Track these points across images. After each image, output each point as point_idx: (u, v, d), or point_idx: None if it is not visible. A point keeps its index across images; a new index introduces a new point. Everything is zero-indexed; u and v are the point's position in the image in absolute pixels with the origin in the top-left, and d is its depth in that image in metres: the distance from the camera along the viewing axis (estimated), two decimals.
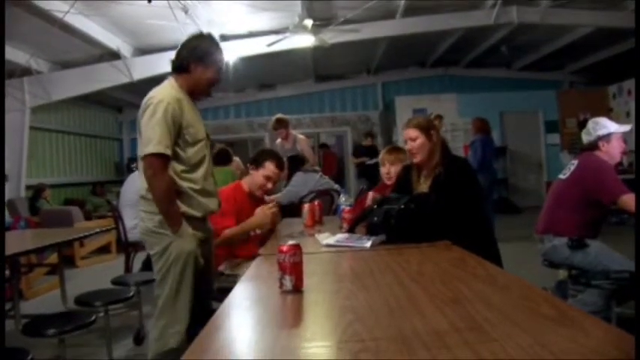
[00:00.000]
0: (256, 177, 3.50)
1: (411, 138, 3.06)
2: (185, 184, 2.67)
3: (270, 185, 3.54)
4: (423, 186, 3.04)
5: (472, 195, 2.96)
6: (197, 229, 2.75)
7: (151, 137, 2.54)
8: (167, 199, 2.60)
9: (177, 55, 2.80)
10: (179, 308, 2.67)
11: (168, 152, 2.58)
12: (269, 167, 3.48)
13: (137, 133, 2.70)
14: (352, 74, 13.42)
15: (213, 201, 2.84)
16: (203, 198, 2.75)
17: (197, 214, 2.73)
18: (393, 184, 3.50)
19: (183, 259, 2.65)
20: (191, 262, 2.68)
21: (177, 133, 2.63)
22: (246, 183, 3.57)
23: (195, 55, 2.75)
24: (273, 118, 6.63)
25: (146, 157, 2.56)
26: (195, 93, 2.84)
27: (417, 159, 3.08)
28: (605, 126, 3.44)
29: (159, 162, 2.56)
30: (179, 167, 2.66)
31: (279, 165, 3.55)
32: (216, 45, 2.84)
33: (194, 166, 2.72)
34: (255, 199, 3.61)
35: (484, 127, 7.82)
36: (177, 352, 2.45)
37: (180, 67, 2.77)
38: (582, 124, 9.29)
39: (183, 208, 2.68)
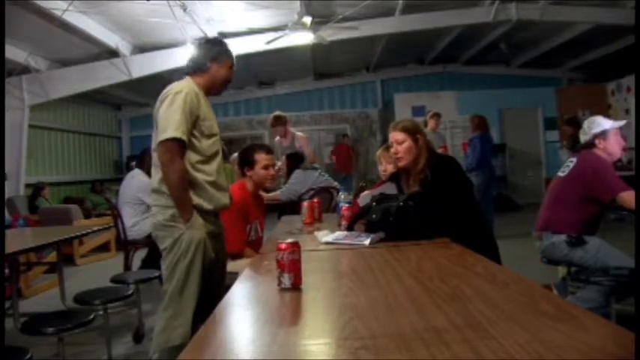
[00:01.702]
0: (257, 174, 3.51)
1: (397, 141, 3.00)
2: (199, 176, 2.72)
3: (272, 171, 3.56)
4: (413, 190, 3.01)
5: (462, 191, 2.94)
6: (208, 222, 2.79)
7: (169, 124, 2.61)
8: (181, 185, 2.65)
9: (192, 57, 2.92)
10: (185, 301, 2.69)
11: (185, 138, 2.64)
12: (261, 157, 3.49)
13: (154, 126, 2.75)
14: (351, 72, 13.42)
15: (225, 195, 2.88)
16: (216, 191, 2.79)
17: (209, 206, 2.76)
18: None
19: (193, 248, 2.68)
20: (200, 250, 2.71)
21: (194, 123, 2.71)
22: (248, 183, 3.57)
23: (210, 55, 2.88)
24: (272, 115, 6.63)
25: (163, 142, 2.60)
26: (211, 91, 2.94)
27: (402, 163, 3.02)
28: (600, 124, 3.44)
29: (176, 147, 2.61)
30: (194, 158, 2.72)
31: (267, 150, 3.57)
32: (227, 46, 2.97)
33: (209, 158, 2.78)
34: (257, 198, 3.66)
35: (482, 125, 7.81)
36: (180, 349, 2.45)
37: (196, 66, 2.89)
38: (570, 121, 9.34)
39: (196, 200, 2.71)
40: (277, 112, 6.63)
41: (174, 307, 2.69)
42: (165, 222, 2.69)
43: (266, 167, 3.50)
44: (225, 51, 2.92)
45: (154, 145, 2.74)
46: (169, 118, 2.61)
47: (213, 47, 2.91)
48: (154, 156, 2.74)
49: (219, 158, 2.87)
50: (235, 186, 3.63)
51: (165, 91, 2.74)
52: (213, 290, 2.83)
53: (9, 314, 4.28)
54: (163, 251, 2.75)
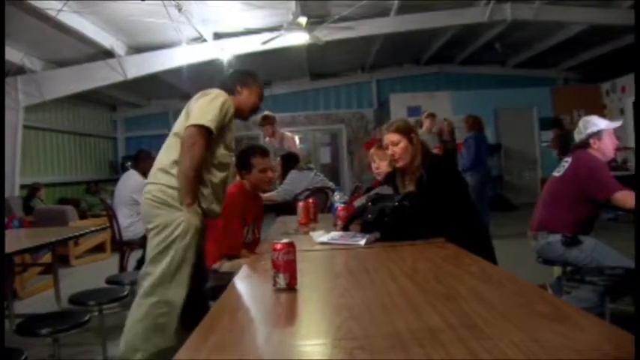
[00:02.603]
0: (254, 177, 3.50)
1: (392, 142, 3.01)
2: (207, 175, 2.80)
3: (271, 174, 3.59)
4: (409, 190, 3.02)
5: (456, 190, 2.96)
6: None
7: (207, 114, 2.71)
8: (196, 171, 2.71)
9: (222, 81, 3.06)
10: (175, 289, 2.67)
11: (214, 132, 2.73)
12: (257, 162, 3.49)
13: (183, 113, 2.84)
14: (347, 72, 13.42)
15: (219, 206, 2.92)
16: (213, 196, 2.84)
17: (203, 204, 2.80)
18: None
19: (193, 231, 2.70)
20: (197, 236, 2.74)
21: (222, 130, 2.80)
22: (247, 185, 3.57)
23: (241, 80, 3.02)
24: (260, 115, 6.65)
25: (196, 126, 2.67)
26: (239, 115, 3.01)
27: (400, 164, 3.04)
28: (595, 124, 3.45)
29: (204, 135, 2.69)
30: (209, 159, 2.80)
31: (263, 153, 3.58)
32: (260, 79, 3.12)
33: (220, 166, 2.86)
34: (256, 199, 3.68)
35: (477, 125, 7.83)
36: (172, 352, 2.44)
37: (227, 88, 2.95)
38: (554, 123, 9.38)
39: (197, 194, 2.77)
40: (266, 112, 6.67)
41: (161, 292, 2.66)
42: (166, 198, 2.71)
43: (263, 170, 3.50)
44: (257, 81, 3.06)
45: (176, 129, 2.82)
46: (209, 110, 2.72)
47: (246, 76, 3.06)
48: (173, 140, 2.81)
49: (227, 172, 2.95)
50: (234, 187, 3.62)
51: (207, 90, 2.86)
52: (199, 286, 2.84)
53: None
54: (152, 230, 2.73)
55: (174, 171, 2.73)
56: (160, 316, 2.64)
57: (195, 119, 2.69)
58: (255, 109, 3.09)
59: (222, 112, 2.75)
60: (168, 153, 2.81)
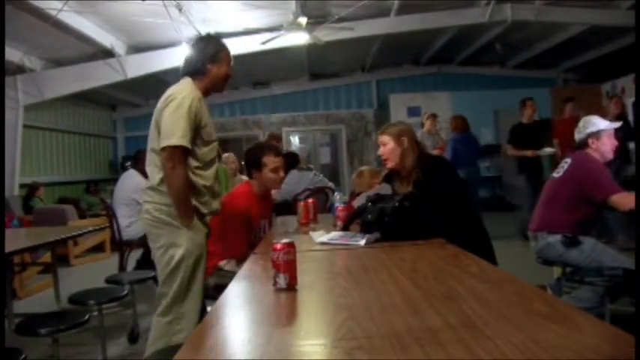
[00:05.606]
0: (265, 177, 3.44)
1: (382, 143, 3.10)
2: (198, 180, 2.74)
3: (282, 174, 3.53)
4: (405, 191, 3.04)
5: (453, 190, 2.97)
6: (203, 225, 2.82)
7: (175, 130, 2.60)
8: (185, 191, 2.66)
9: (189, 59, 2.90)
10: (189, 304, 2.68)
11: (189, 146, 2.65)
12: (270, 160, 3.41)
13: (153, 125, 2.75)
14: (347, 72, 13.40)
15: (217, 202, 2.90)
16: (210, 197, 2.81)
17: (204, 210, 2.79)
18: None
19: (198, 252, 2.70)
20: (204, 255, 2.74)
21: (196, 130, 2.70)
22: (255, 186, 3.53)
23: (207, 56, 2.85)
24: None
25: (168, 148, 2.60)
26: (212, 91, 2.93)
27: (388, 164, 3.12)
28: (595, 123, 3.46)
29: (180, 154, 2.62)
30: (193, 163, 2.73)
31: (276, 152, 3.51)
32: (222, 41, 2.96)
33: (206, 164, 2.79)
34: (263, 199, 3.60)
35: (459, 126, 7.88)
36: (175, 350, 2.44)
37: (195, 70, 2.86)
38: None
39: (193, 203, 2.73)
40: (271, 132, 6.89)
41: (175, 312, 2.67)
42: (166, 218, 2.68)
43: (275, 170, 3.43)
44: (221, 48, 2.89)
45: (152, 144, 2.74)
46: (175, 123, 2.61)
47: (208, 46, 2.87)
48: (153, 156, 2.74)
49: (216, 165, 2.89)
50: (240, 190, 3.58)
51: (169, 93, 2.73)
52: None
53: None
54: (159, 250, 2.72)
55: (164, 189, 2.68)
56: (178, 332, 2.66)
57: (166, 139, 2.60)
58: (227, 79, 2.96)
59: (191, 118, 2.64)
60: (152, 172, 2.75)
